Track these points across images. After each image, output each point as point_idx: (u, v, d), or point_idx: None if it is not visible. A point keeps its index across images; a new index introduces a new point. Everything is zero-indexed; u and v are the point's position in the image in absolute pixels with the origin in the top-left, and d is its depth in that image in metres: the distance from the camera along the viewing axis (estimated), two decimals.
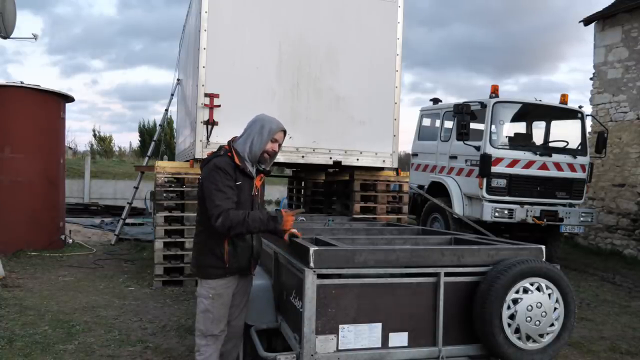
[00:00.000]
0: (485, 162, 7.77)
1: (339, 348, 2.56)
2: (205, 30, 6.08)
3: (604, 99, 11.13)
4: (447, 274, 2.72)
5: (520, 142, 8.49)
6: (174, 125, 15.14)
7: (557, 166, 8.18)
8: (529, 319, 2.67)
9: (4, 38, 7.49)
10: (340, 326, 2.56)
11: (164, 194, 6.55)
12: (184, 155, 7.68)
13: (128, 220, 10.96)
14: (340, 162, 6.66)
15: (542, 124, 9.19)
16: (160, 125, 12.03)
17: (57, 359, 4.00)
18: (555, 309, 2.75)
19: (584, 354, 4.65)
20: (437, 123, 9.61)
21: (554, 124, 9.08)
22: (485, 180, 7.81)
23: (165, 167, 6.55)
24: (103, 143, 29.42)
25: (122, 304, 5.63)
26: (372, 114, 6.74)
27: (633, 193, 10.42)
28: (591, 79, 11.57)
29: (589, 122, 9.64)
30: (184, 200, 6.49)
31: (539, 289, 2.72)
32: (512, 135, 8.80)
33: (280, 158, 6.41)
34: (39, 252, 8.12)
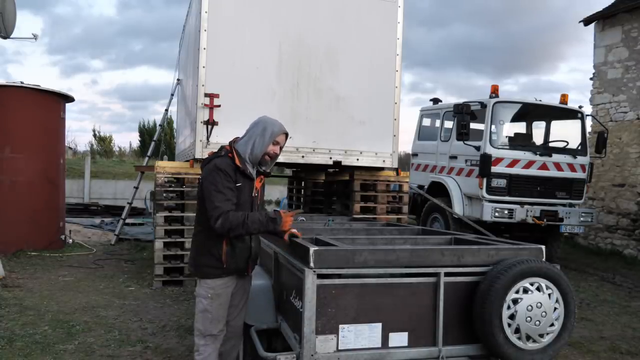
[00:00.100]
0: (485, 162, 7.77)
1: (339, 348, 2.56)
2: (205, 30, 6.08)
3: (604, 99, 11.13)
4: (447, 274, 2.72)
5: (520, 142, 8.49)
6: (174, 125, 15.14)
7: (557, 166, 8.18)
8: (529, 319, 2.67)
9: (4, 38, 7.49)
10: (340, 326, 2.56)
11: (164, 194, 6.55)
12: (184, 155, 7.68)
13: (128, 220, 10.96)
14: (340, 162, 6.66)
15: (542, 124, 9.20)
16: (160, 125, 12.03)
17: (57, 359, 4.00)
18: (555, 309, 2.75)
19: (584, 354, 4.65)
20: (437, 123, 9.61)
21: (554, 124, 9.09)
22: (485, 180, 7.81)
23: (165, 167, 6.55)
24: (103, 143, 29.42)
25: (122, 304, 5.63)
26: (372, 114, 6.74)
27: (633, 193, 10.42)
28: (591, 79, 11.57)
29: (589, 122, 9.64)
30: (184, 200, 6.49)
31: (539, 289, 2.72)
32: (512, 135, 8.80)
33: (280, 158, 6.30)
34: (39, 252, 8.12)
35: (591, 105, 11.46)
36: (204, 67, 6.09)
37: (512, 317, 2.65)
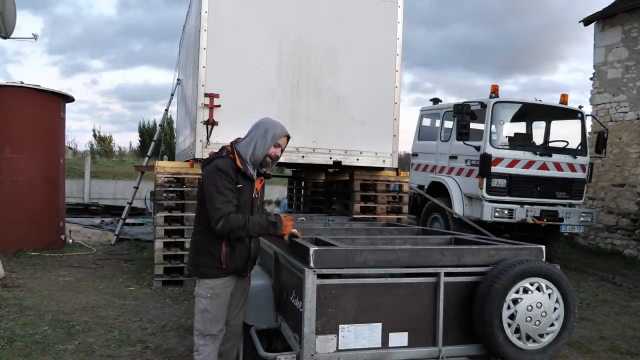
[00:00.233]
0: (485, 162, 7.77)
1: (339, 348, 2.56)
2: (205, 30, 6.08)
3: (604, 99, 11.13)
4: (447, 274, 2.72)
5: (520, 142, 8.49)
6: (174, 125, 15.15)
7: (557, 166, 8.18)
8: (529, 319, 2.67)
9: (4, 38, 7.49)
10: (340, 326, 2.56)
11: (164, 194, 6.55)
12: (184, 155, 7.68)
13: (128, 220, 10.96)
14: (340, 162, 6.66)
15: (542, 124, 9.20)
16: (160, 125, 12.03)
17: (57, 359, 4.00)
18: (555, 309, 2.75)
19: (584, 354, 4.65)
20: (437, 123, 9.61)
21: (554, 124, 9.09)
22: (485, 180, 7.81)
23: (165, 167, 6.55)
24: (103, 143, 29.42)
25: (122, 304, 5.63)
26: (372, 114, 6.74)
27: (633, 193, 10.42)
28: (591, 79, 11.57)
29: (589, 122, 9.64)
30: (184, 200, 6.49)
31: (539, 289, 2.72)
32: (512, 135, 8.80)
33: (280, 158, 6.40)
34: (39, 252, 8.12)
35: (591, 105, 11.47)
36: (204, 67, 6.09)
37: (512, 317, 2.65)
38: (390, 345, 2.64)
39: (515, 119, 8.85)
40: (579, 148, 8.51)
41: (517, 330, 2.66)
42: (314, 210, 8.99)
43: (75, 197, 16.48)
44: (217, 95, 6.06)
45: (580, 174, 8.36)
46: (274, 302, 3.22)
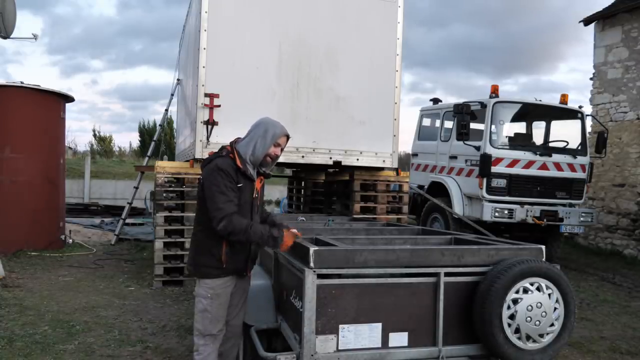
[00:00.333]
0: (485, 162, 7.77)
1: (339, 348, 2.56)
2: (205, 30, 6.08)
3: (604, 99, 11.13)
4: (447, 274, 2.72)
5: (520, 142, 8.50)
6: (174, 125, 15.15)
7: (557, 166, 8.18)
8: (529, 319, 2.67)
9: (4, 38, 7.49)
10: (340, 326, 2.56)
11: (164, 194, 6.55)
12: (184, 155, 7.68)
13: (128, 220, 10.96)
14: (340, 162, 6.66)
15: (542, 124, 9.20)
16: (160, 125, 12.04)
17: (57, 359, 4.00)
18: (555, 309, 2.75)
19: (584, 354, 4.65)
20: (437, 123, 9.61)
21: (554, 124, 9.09)
22: (485, 180, 7.81)
23: (165, 167, 6.55)
24: (103, 143, 29.41)
25: (122, 304, 5.63)
26: (372, 114, 6.74)
27: (633, 193, 10.42)
28: (591, 79, 11.57)
29: (589, 122, 9.64)
30: (184, 200, 6.48)
31: (539, 289, 2.72)
32: (512, 135, 8.80)
33: (280, 158, 6.36)
34: (39, 252, 8.12)
35: (591, 105, 11.47)
36: (204, 67, 6.09)
37: (512, 317, 2.65)
38: (390, 345, 2.64)
39: (515, 119, 8.85)
40: (579, 148, 8.51)
41: (517, 330, 2.66)
42: (314, 210, 8.99)
43: (75, 197, 16.48)
44: (217, 95, 6.06)
45: (580, 174, 8.36)
46: (274, 302, 3.22)
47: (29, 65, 56.45)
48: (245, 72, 6.23)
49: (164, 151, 14.92)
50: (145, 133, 27.59)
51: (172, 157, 14.31)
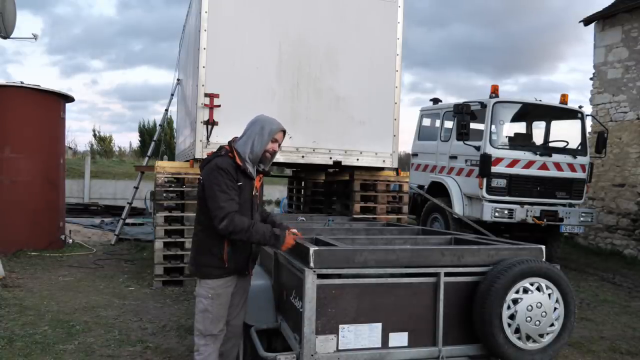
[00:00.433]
0: (485, 162, 7.77)
1: (339, 348, 2.56)
2: (205, 30, 6.08)
3: (604, 99, 11.13)
4: (447, 274, 2.72)
5: (520, 142, 8.49)
6: (174, 125, 15.15)
7: (557, 166, 8.18)
8: (529, 319, 2.67)
9: (4, 38, 7.49)
10: (340, 326, 2.56)
11: (164, 194, 6.55)
12: (184, 155, 7.68)
13: (128, 220, 10.96)
14: (340, 162, 6.66)
15: (542, 124, 9.20)
16: (160, 125, 12.04)
17: (57, 359, 4.00)
18: (555, 309, 2.75)
19: (584, 354, 4.65)
20: (437, 123, 9.61)
21: (554, 124, 9.09)
22: (485, 180, 7.81)
23: (165, 167, 6.55)
24: (103, 143, 29.41)
25: (122, 304, 5.63)
26: (372, 114, 6.74)
27: (633, 193, 10.42)
28: (591, 79, 11.57)
29: (589, 122, 9.64)
30: (184, 200, 6.48)
31: (539, 289, 2.72)
32: (512, 135, 8.80)
33: (280, 158, 6.41)
34: (39, 252, 8.12)
35: (591, 105, 11.46)
36: (204, 67, 6.09)
37: (512, 317, 2.65)
38: (390, 345, 2.64)
39: (515, 119, 8.85)
40: (579, 148, 8.51)
41: (517, 330, 2.66)
42: (314, 210, 8.99)
43: (75, 197, 16.48)
44: (217, 95, 6.06)
45: (580, 174, 8.36)
46: (274, 302, 3.22)
47: (29, 65, 56.51)
48: (245, 72, 6.23)
49: (164, 151, 14.92)
50: (145, 133, 27.60)
51: (172, 157, 14.31)
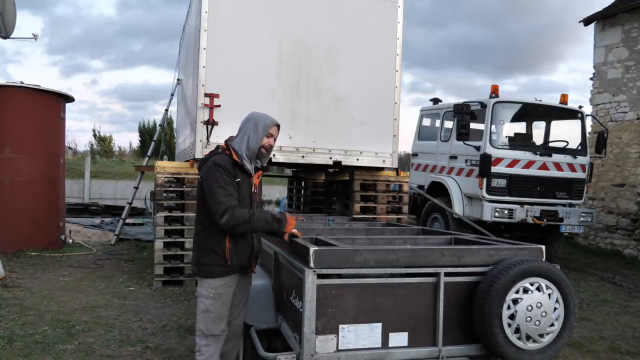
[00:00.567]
0: (485, 162, 7.77)
1: (339, 348, 2.56)
2: (205, 30, 6.08)
3: (604, 99, 11.13)
4: (447, 274, 2.72)
5: (520, 142, 8.50)
6: (174, 125, 15.15)
7: (557, 166, 8.18)
8: (529, 319, 2.67)
9: (4, 38, 7.49)
10: (340, 326, 2.56)
11: (164, 194, 6.55)
12: (184, 155, 7.68)
13: (128, 220, 10.96)
14: (340, 162, 6.66)
15: (542, 124, 9.20)
16: (160, 125, 12.03)
17: (57, 359, 4.00)
18: (555, 309, 2.75)
19: (584, 354, 4.65)
20: (437, 123, 9.61)
21: (554, 124, 9.09)
22: (485, 180, 7.81)
23: (165, 167, 6.55)
24: (103, 143, 29.43)
25: (122, 304, 5.63)
26: (372, 114, 6.73)
27: (633, 193, 10.42)
28: (591, 79, 11.57)
29: (589, 122, 9.64)
30: (184, 200, 6.48)
31: (539, 289, 2.72)
32: (512, 135, 8.80)
33: (280, 158, 6.42)
34: (39, 252, 8.12)
35: (591, 105, 11.47)
36: (204, 67, 6.09)
37: (512, 317, 2.65)
38: (390, 345, 2.64)
39: (515, 119, 8.85)
40: (579, 148, 8.51)
41: (517, 330, 2.66)
42: (314, 210, 8.99)
43: (75, 197, 16.48)
44: (217, 95, 6.06)
45: (580, 174, 8.36)
46: (274, 302, 3.22)
47: (28, 65, 56.57)
48: (245, 72, 6.23)
49: (164, 151, 14.93)
50: (145, 133, 27.61)
51: (172, 157, 14.31)
